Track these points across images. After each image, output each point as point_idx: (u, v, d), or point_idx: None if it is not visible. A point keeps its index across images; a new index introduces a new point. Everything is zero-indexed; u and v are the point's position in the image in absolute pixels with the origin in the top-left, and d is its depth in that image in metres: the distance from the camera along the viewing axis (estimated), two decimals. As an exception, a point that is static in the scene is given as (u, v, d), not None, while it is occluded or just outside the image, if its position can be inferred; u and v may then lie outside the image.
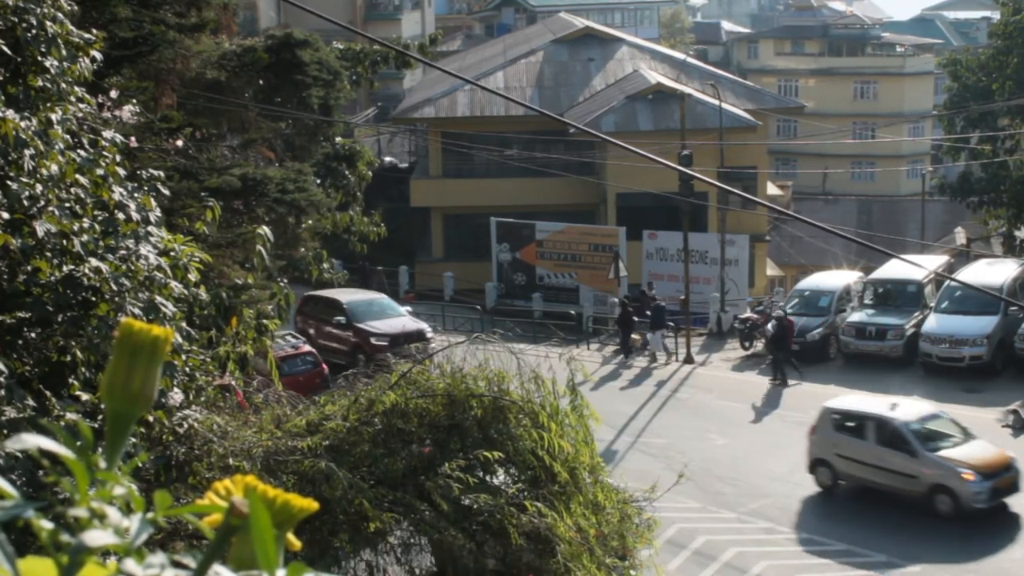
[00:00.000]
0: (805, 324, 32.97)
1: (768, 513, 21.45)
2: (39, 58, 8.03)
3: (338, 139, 27.95)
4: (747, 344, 34.64)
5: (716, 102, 42.08)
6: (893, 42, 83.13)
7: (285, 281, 14.32)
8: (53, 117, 7.97)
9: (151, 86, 17.21)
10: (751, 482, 22.97)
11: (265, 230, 11.44)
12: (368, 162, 29.14)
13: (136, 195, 8.55)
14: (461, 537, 10.71)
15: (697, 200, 35.78)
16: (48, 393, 7.55)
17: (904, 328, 31.90)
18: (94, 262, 7.49)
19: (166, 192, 9.60)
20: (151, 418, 8.80)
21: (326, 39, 24.42)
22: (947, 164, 50.29)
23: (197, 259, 8.82)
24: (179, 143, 18.43)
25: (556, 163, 44.12)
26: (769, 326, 31.57)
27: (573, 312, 39.77)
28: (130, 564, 1.16)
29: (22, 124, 7.31)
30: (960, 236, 52.18)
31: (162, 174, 9.82)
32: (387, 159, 52.69)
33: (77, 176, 7.97)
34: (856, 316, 32.90)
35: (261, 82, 20.73)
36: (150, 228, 8.41)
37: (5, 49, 7.78)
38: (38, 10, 7.97)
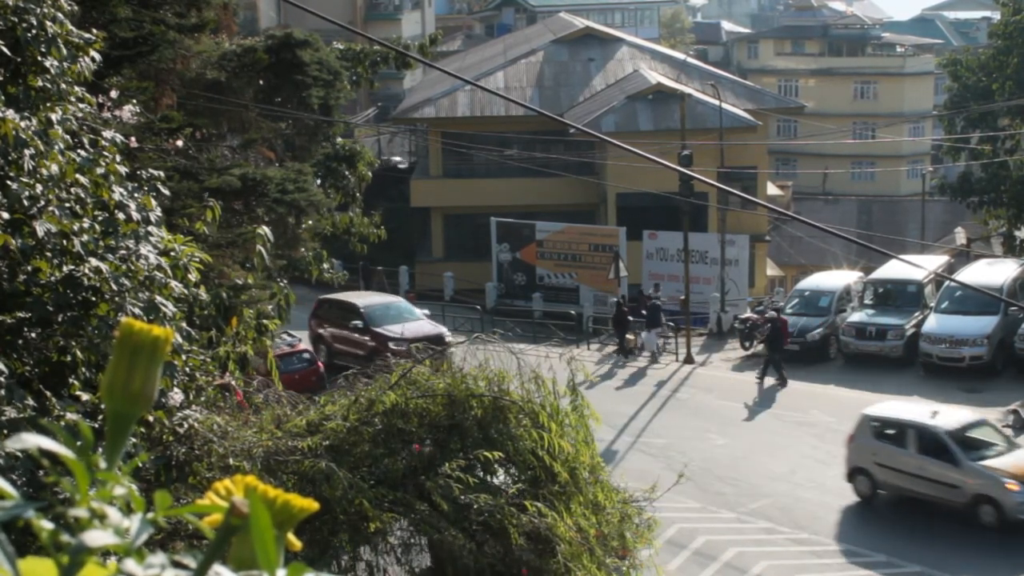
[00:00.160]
0: (805, 324, 33.00)
1: (768, 513, 21.44)
2: (39, 58, 8.03)
3: (338, 139, 27.92)
4: (747, 344, 34.64)
5: (716, 102, 42.07)
6: (893, 42, 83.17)
7: (285, 281, 14.35)
8: (53, 117, 7.97)
9: (151, 86, 17.21)
10: (751, 482, 22.97)
11: (265, 230, 11.44)
12: (368, 162, 29.10)
13: (136, 195, 8.55)
14: (461, 537, 10.71)
15: (697, 200, 35.79)
16: (48, 393, 7.54)
17: (904, 328, 31.89)
18: (94, 262, 7.49)
19: (166, 192, 9.60)
20: (151, 418, 8.80)
21: (326, 39, 24.39)
22: (947, 164, 50.29)
23: (197, 259, 8.82)
24: (179, 143, 18.42)
25: (556, 163, 44.13)
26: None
27: (573, 312, 39.77)
28: (130, 564, 1.16)
29: (22, 124, 7.31)
30: (960, 236, 52.18)
31: (162, 174, 9.82)
32: (394, 158, 52.65)
33: (77, 176, 7.97)
34: (856, 316, 32.90)
35: (261, 82, 20.72)
36: (150, 228, 8.41)
37: (5, 49, 7.78)
38: (38, 10, 7.97)
